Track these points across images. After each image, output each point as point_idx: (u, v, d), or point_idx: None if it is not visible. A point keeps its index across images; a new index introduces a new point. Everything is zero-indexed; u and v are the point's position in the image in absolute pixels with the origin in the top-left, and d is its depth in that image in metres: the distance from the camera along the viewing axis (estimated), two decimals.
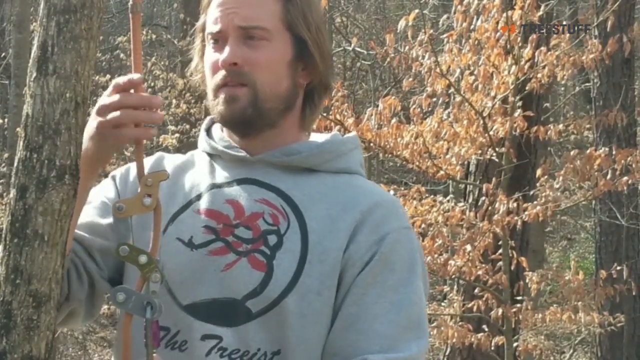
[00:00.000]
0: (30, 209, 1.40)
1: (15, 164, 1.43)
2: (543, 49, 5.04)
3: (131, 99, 1.52)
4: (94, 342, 11.58)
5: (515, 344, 5.35)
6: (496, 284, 5.11)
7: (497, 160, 5.30)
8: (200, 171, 1.71)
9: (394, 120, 5.19)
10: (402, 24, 5.10)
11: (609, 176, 5.06)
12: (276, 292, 1.56)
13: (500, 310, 5.11)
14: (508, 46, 4.97)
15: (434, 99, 5.30)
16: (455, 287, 6.08)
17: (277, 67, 1.64)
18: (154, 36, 12.14)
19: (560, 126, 5.35)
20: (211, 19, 1.66)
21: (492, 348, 5.29)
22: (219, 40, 1.65)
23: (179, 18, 12.00)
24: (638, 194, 9.07)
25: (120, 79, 1.53)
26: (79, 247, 1.63)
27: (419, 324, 1.60)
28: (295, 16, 1.65)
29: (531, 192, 5.39)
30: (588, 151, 5.24)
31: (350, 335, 1.57)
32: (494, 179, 5.30)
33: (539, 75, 5.07)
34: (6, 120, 10.13)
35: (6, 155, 9.85)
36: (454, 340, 5.14)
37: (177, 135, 9.64)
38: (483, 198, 5.27)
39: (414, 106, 5.28)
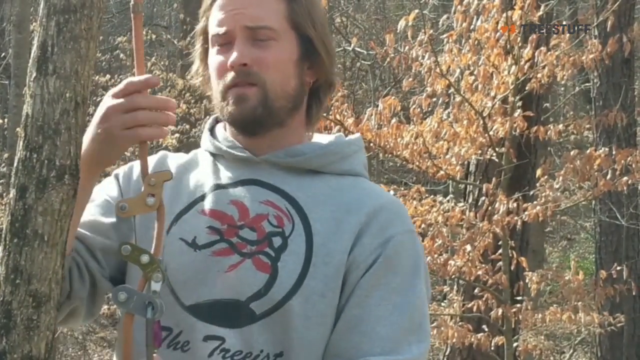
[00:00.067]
0: (30, 209, 1.40)
1: (15, 164, 1.43)
2: (543, 49, 5.04)
3: (150, 101, 1.52)
4: (94, 342, 11.58)
5: (515, 344, 5.35)
6: (496, 284, 5.11)
7: (497, 160, 5.30)
8: (203, 171, 1.71)
9: (394, 120, 5.19)
10: (402, 24, 5.10)
11: (609, 176, 5.06)
12: (281, 294, 1.56)
13: (500, 311, 5.11)
14: (508, 46, 4.97)
15: (434, 99, 5.30)
16: (455, 287, 6.09)
17: (285, 67, 1.65)
18: (154, 36, 12.13)
19: (560, 126, 5.35)
20: (214, 21, 1.66)
21: (492, 348, 5.29)
22: (225, 42, 1.65)
23: (179, 18, 12.00)
24: (638, 194, 9.07)
25: (135, 79, 1.53)
26: (80, 245, 1.63)
27: (421, 326, 1.61)
28: (300, 15, 1.65)
29: (531, 192, 5.39)
30: (588, 151, 5.24)
31: (353, 337, 1.57)
32: (494, 179, 5.30)
33: (539, 75, 5.07)
34: (6, 120, 10.12)
35: (6, 155, 9.84)
36: (454, 340, 5.14)
37: (177, 135, 9.63)
38: (483, 198, 5.27)
39: (413, 106, 5.28)
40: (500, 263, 5.20)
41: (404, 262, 1.62)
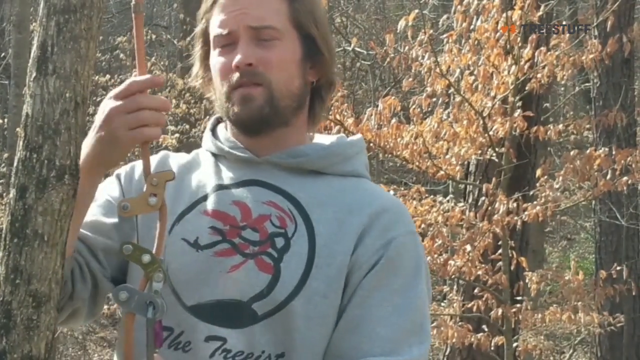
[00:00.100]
0: (30, 209, 1.39)
1: (15, 164, 1.42)
2: (543, 49, 5.04)
3: (154, 101, 1.52)
4: (94, 342, 11.58)
5: (515, 344, 5.35)
6: (496, 284, 5.11)
7: (497, 160, 5.30)
8: (205, 171, 1.71)
9: (393, 121, 5.19)
10: (402, 24, 5.10)
11: (608, 176, 5.06)
12: (283, 294, 1.56)
13: (500, 310, 5.11)
14: (508, 46, 4.97)
15: (434, 99, 5.30)
16: (455, 287, 6.09)
17: (290, 66, 1.65)
18: (153, 36, 12.12)
19: (560, 126, 5.35)
20: (216, 22, 1.66)
21: (492, 348, 5.29)
22: (227, 43, 1.64)
23: (178, 18, 11.99)
24: (638, 194, 9.07)
25: (139, 79, 1.52)
26: (82, 246, 1.63)
27: (422, 328, 1.61)
28: (302, 14, 1.66)
29: (531, 192, 5.39)
30: (588, 151, 5.24)
31: (353, 337, 1.57)
32: (493, 179, 5.30)
33: (539, 76, 5.07)
34: (6, 120, 10.12)
35: (6, 155, 9.84)
36: (454, 340, 5.14)
37: (177, 135, 9.63)
38: (483, 198, 5.27)
39: (413, 106, 5.28)
40: (500, 263, 5.20)
41: (405, 264, 1.62)
